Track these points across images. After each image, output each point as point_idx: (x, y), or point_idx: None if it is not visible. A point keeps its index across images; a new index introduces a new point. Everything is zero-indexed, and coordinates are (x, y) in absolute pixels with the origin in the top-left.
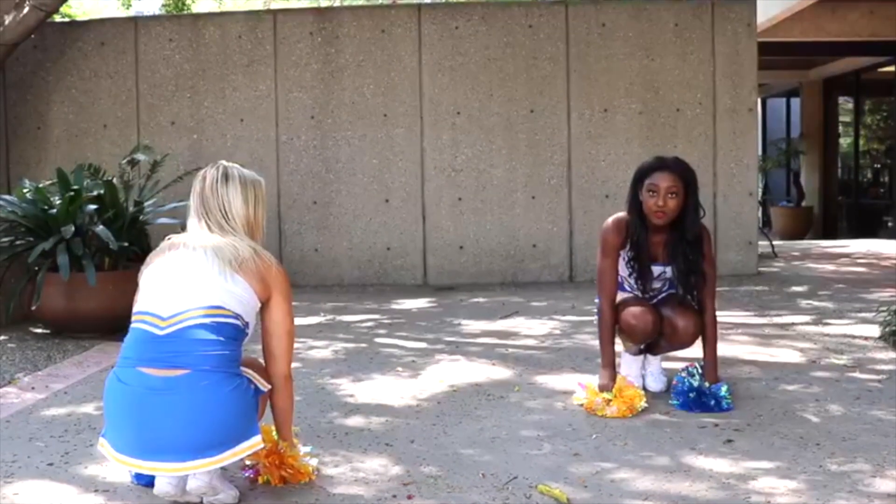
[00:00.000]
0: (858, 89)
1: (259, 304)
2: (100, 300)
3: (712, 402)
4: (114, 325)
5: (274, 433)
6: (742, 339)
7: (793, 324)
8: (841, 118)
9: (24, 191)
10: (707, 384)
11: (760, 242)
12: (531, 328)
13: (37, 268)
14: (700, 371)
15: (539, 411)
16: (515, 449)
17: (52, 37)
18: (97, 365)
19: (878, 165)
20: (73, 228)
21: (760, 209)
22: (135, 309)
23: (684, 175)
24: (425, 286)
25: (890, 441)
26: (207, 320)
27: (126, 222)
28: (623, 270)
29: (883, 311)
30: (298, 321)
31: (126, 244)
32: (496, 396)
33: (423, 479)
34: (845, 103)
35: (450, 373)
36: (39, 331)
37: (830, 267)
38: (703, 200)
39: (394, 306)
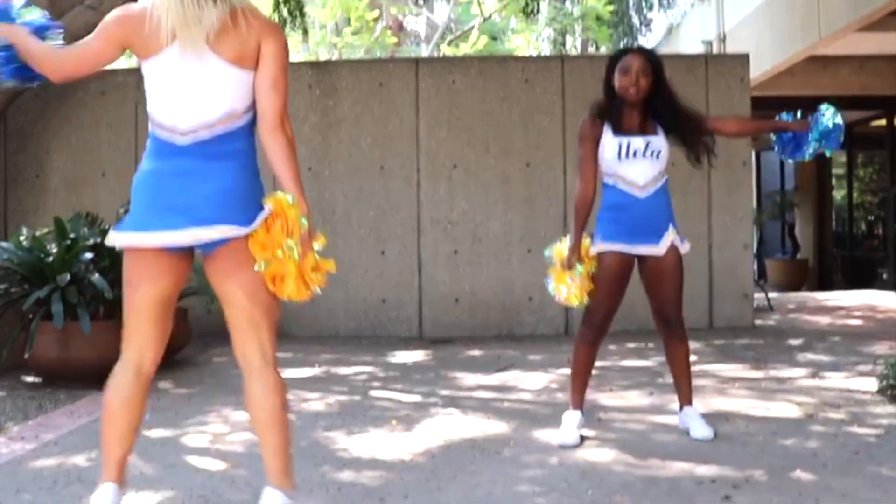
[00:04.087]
0: (851, 142)
1: (254, 73)
2: (93, 349)
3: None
4: (107, 374)
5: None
6: (739, 393)
7: (790, 377)
8: (834, 171)
9: (21, 238)
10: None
11: (756, 295)
12: (527, 382)
13: (31, 316)
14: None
15: (534, 466)
16: None
17: (54, 86)
18: (89, 415)
19: (872, 218)
20: (68, 277)
21: (756, 261)
22: (151, 114)
23: (652, 58)
24: (420, 338)
25: (890, 497)
26: (221, 130)
27: None
28: (610, 152)
29: (880, 365)
30: (291, 373)
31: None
32: (491, 451)
33: None
34: (838, 156)
35: (444, 427)
36: (31, 379)
37: (826, 319)
38: (699, 253)
39: (389, 359)
